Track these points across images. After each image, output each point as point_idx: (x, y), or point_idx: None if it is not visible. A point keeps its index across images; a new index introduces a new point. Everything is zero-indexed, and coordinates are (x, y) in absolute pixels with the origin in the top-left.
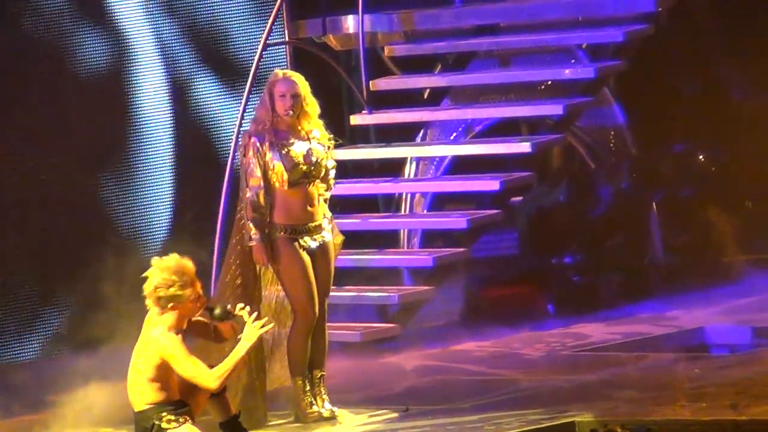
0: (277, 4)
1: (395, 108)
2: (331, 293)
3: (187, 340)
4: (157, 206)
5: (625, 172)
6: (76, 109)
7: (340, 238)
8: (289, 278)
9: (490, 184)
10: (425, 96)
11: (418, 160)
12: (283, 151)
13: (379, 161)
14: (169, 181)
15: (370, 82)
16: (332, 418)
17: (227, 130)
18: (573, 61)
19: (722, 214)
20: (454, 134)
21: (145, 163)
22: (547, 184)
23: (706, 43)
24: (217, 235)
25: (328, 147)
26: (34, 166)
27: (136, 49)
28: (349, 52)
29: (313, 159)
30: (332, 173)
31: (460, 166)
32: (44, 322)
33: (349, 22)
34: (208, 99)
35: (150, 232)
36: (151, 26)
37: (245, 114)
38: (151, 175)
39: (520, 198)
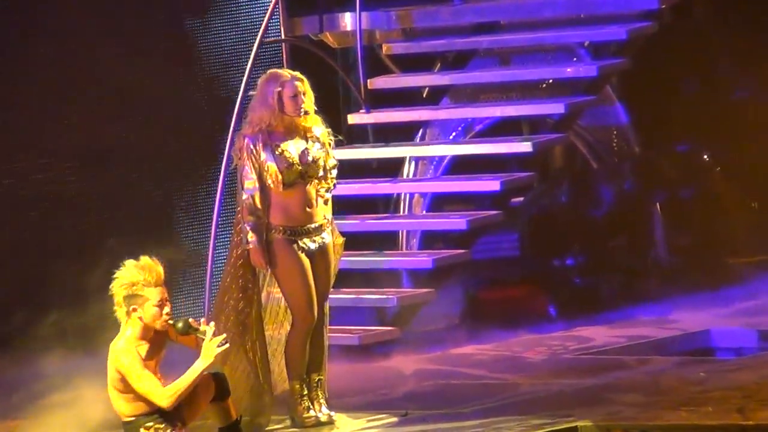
0: (273, 1)
1: (394, 107)
2: (329, 295)
3: (153, 353)
4: (150, 209)
5: (628, 172)
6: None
7: (341, 239)
8: (287, 281)
9: (490, 184)
10: (424, 95)
11: (417, 160)
12: (278, 152)
13: (377, 161)
14: (164, 183)
15: (368, 80)
16: (330, 423)
17: (221, 130)
18: (575, 59)
19: (727, 214)
20: (454, 134)
21: (136, 164)
22: (549, 185)
23: (710, 41)
24: (212, 237)
25: (328, 145)
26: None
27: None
28: (346, 50)
29: (309, 158)
30: (333, 173)
31: (460, 166)
32: None
33: (347, 20)
34: (202, 97)
35: (142, 235)
36: (143, 21)
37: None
38: (142, 176)
39: (521, 198)
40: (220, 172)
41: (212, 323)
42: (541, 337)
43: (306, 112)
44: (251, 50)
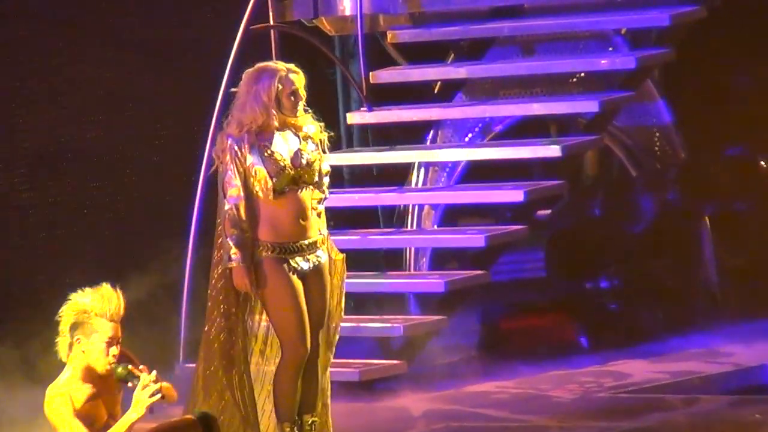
0: None
1: (399, 104)
2: (340, 323)
3: (100, 398)
4: (114, 221)
5: (672, 181)
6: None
7: (341, 255)
8: (275, 306)
9: (512, 194)
10: (435, 90)
11: (427, 166)
12: (266, 153)
13: (380, 167)
14: (130, 191)
15: (370, 73)
16: None
17: (200, 129)
18: (610, 48)
19: None
20: (470, 135)
21: (98, 170)
22: (580, 195)
23: None
24: (189, 251)
25: (322, 143)
26: None
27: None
28: (345, 39)
29: (303, 161)
30: (326, 180)
31: (477, 173)
32: None
33: (345, 3)
34: (179, 91)
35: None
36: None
37: (223, 109)
38: (105, 184)
39: (548, 211)
40: (198, 178)
41: (154, 372)
42: (570, 373)
43: (307, 109)
44: (234, 39)
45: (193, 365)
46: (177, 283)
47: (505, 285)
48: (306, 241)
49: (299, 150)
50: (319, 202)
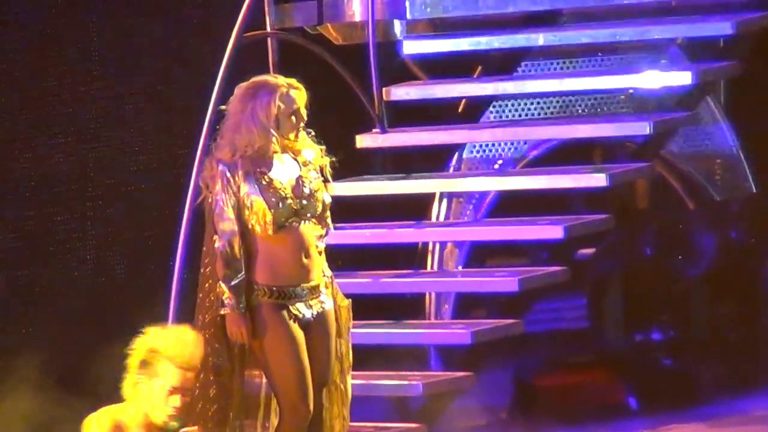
0: None
1: (418, 125)
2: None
3: None
4: (83, 261)
5: (736, 216)
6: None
7: (346, 301)
8: (273, 360)
9: (549, 230)
10: (460, 109)
11: (450, 197)
12: (264, 182)
13: (395, 199)
14: (102, 227)
15: (384, 89)
16: None
17: (186, 153)
18: (664, 61)
19: None
20: (500, 162)
21: (64, 201)
22: (629, 232)
23: None
24: (172, 299)
25: (323, 169)
26: None
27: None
28: (354, 49)
29: (306, 190)
30: (327, 214)
31: (508, 206)
32: None
33: (355, 7)
34: (160, 109)
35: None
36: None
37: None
38: (72, 217)
39: (592, 250)
40: (183, 210)
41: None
42: None
43: (309, 131)
44: (225, 49)
45: None
46: None
47: (541, 337)
48: (309, 285)
49: (300, 177)
50: (320, 239)
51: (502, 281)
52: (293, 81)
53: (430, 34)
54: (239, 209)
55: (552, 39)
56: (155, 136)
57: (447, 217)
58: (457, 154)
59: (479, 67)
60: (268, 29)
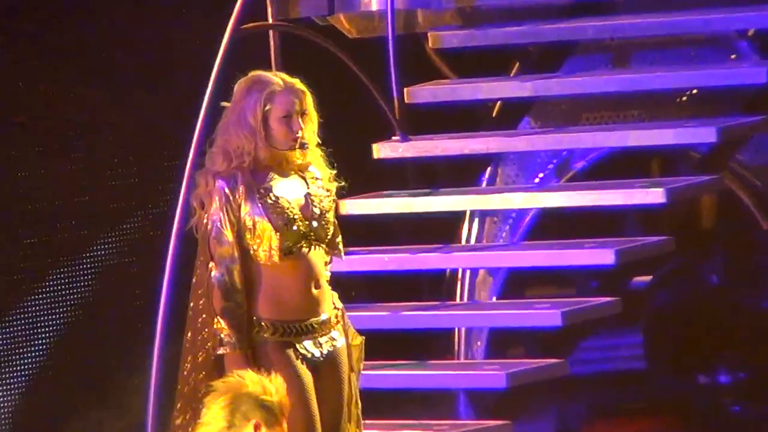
0: None
1: (445, 132)
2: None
3: None
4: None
5: None
6: None
7: (359, 339)
8: None
9: (599, 255)
10: (494, 114)
11: (483, 216)
12: (269, 200)
13: (418, 218)
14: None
15: (405, 90)
16: None
17: (173, 163)
18: (733, 57)
19: None
20: (541, 175)
21: (33, 222)
22: (692, 256)
23: None
24: (157, 338)
25: (331, 191)
26: None
27: None
28: (371, 43)
29: (316, 210)
30: (338, 239)
31: (550, 226)
32: None
33: None
34: (144, 113)
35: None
36: None
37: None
38: (49, 241)
39: (648, 279)
40: (170, 233)
41: None
42: None
43: (303, 145)
44: (220, 42)
45: None
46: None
47: (589, 379)
48: (318, 319)
49: (309, 195)
50: (326, 265)
51: (544, 315)
52: (294, 81)
53: (459, 26)
54: (240, 232)
55: (603, 30)
56: (137, 144)
57: (479, 239)
58: (491, 166)
59: (517, 64)
60: (270, 20)
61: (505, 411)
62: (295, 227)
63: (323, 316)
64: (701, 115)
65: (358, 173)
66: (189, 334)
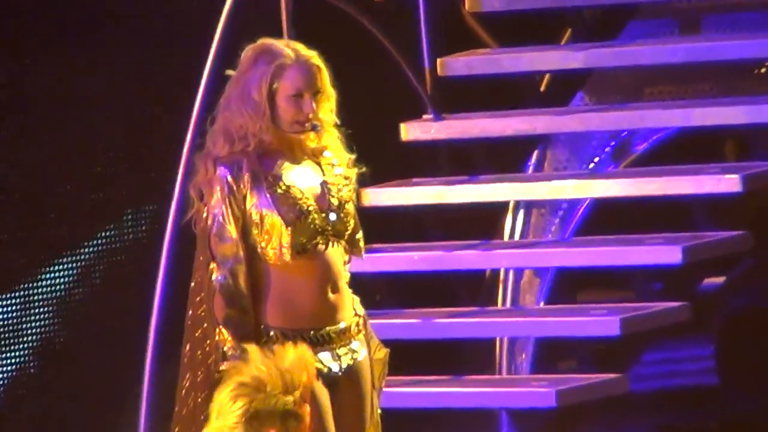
0: None
1: (484, 110)
2: None
3: None
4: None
5: None
6: None
7: (383, 351)
8: None
9: (663, 252)
10: (542, 88)
11: (529, 207)
12: (279, 189)
13: (454, 210)
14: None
15: (438, 60)
16: None
17: (169, 149)
18: None
19: None
20: (596, 160)
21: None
22: None
23: None
24: (151, 341)
25: (350, 179)
26: None
27: None
28: (398, 6)
29: (334, 200)
30: (359, 234)
31: (606, 219)
32: None
33: None
34: (133, 87)
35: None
36: None
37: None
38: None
39: (721, 280)
40: (165, 229)
41: None
42: None
43: (315, 127)
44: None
45: None
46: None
47: (652, 397)
48: (336, 328)
49: (326, 183)
50: (345, 264)
51: (599, 322)
52: (309, 55)
53: None
54: (245, 227)
55: None
56: (126, 125)
57: (524, 235)
58: (537, 149)
59: (568, 30)
60: None
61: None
62: (309, 221)
63: (342, 325)
64: None
65: (382, 158)
66: (187, 348)
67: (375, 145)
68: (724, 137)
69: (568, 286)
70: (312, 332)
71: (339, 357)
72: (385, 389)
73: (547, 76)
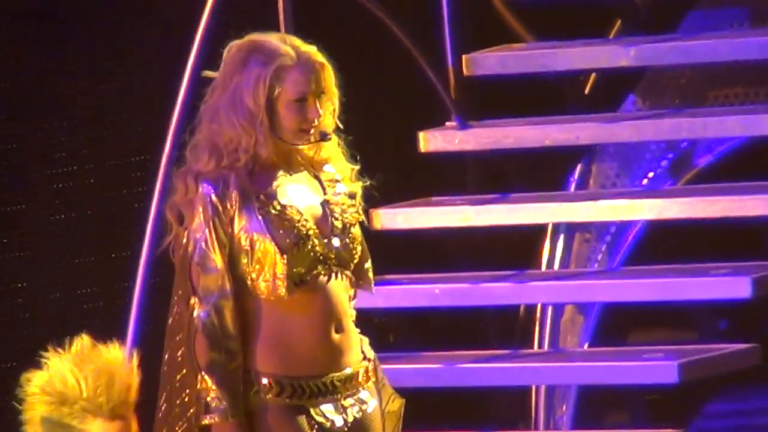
0: None
1: (517, 117)
2: None
3: None
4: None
5: None
6: None
7: (398, 402)
8: None
9: (730, 284)
10: (586, 90)
11: (571, 232)
12: (273, 210)
13: (482, 235)
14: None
15: (464, 57)
16: None
17: (148, 153)
18: None
19: None
20: (651, 175)
21: None
22: None
23: None
24: None
25: (359, 199)
26: None
27: None
28: None
29: (338, 224)
30: (368, 263)
31: (663, 245)
32: None
33: None
34: (103, 90)
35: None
36: None
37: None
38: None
39: None
40: (138, 257)
41: None
42: None
43: (324, 136)
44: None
45: None
46: None
47: None
48: (341, 375)
49: (327, 203)
50: (350, 300)
51: (655, 367)
52: (310, 50)
53: None
54: (233, 255)
55: None
56: (94, 138)
57: (565, 264)
58: (581, 163)
59: (617, 22)
60: None
61: None
62: (308, 247)
63: (348, 371)
64: None
65: (397, 172)
66: (163, 398)
67: (388, 157)
68: None
69: (617, 325)
70: (312, 380)
71: (344, 409)
72: None
73: (592, 76)
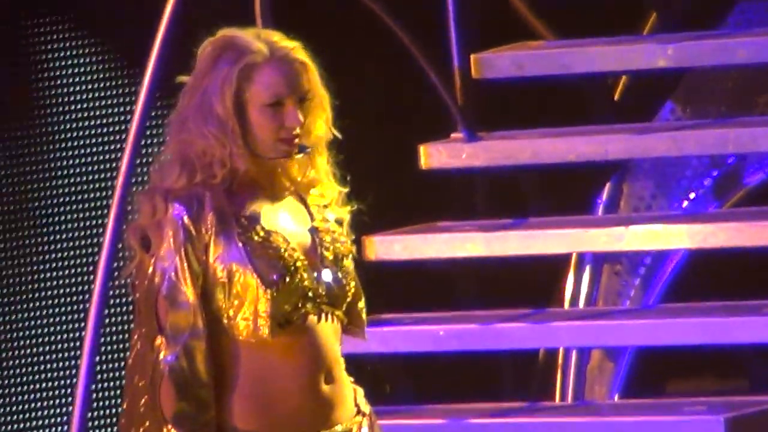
0: None
1: (535, 127)
2: None
3: None
4: None
5: None
6: None
7: None
8: None
9: None
10: (616, 96)
11: (598, 262)
12: (256, 236)
13: (494, 266)
14: None
15: (472, 57)
16: None
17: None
18: None
19: None
20: (692, 196)
21: None
22: None
23: None
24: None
25: (342, 223)
26: None
27: None
28: None
29: (328, 255)
30: (361, 303)
31: (707, 277)
32: None
33: None
34: (54, 97)
35: None
36: None
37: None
38: None
39: None
40: (91, 289)
41: None
42: None
43: (303, 149)
44: None
45: None
46: None
47: None
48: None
49: (316, 231)
50: (347, 334)
51: (697, 422)
52: (289, 46)
53: None
54: (207, 288)
55: None
56: (43, 147)
57: (592, 301)
58: (611, 181)
59: (653, 16)
60: None
61: None
62: (296, 282)
63: (339, 428)
64: None
65: (395, 192)
66: None
67: (383, 175)
68: None
69: (653, 373)
70: None
71: None
72: None
73: (623, 80)
